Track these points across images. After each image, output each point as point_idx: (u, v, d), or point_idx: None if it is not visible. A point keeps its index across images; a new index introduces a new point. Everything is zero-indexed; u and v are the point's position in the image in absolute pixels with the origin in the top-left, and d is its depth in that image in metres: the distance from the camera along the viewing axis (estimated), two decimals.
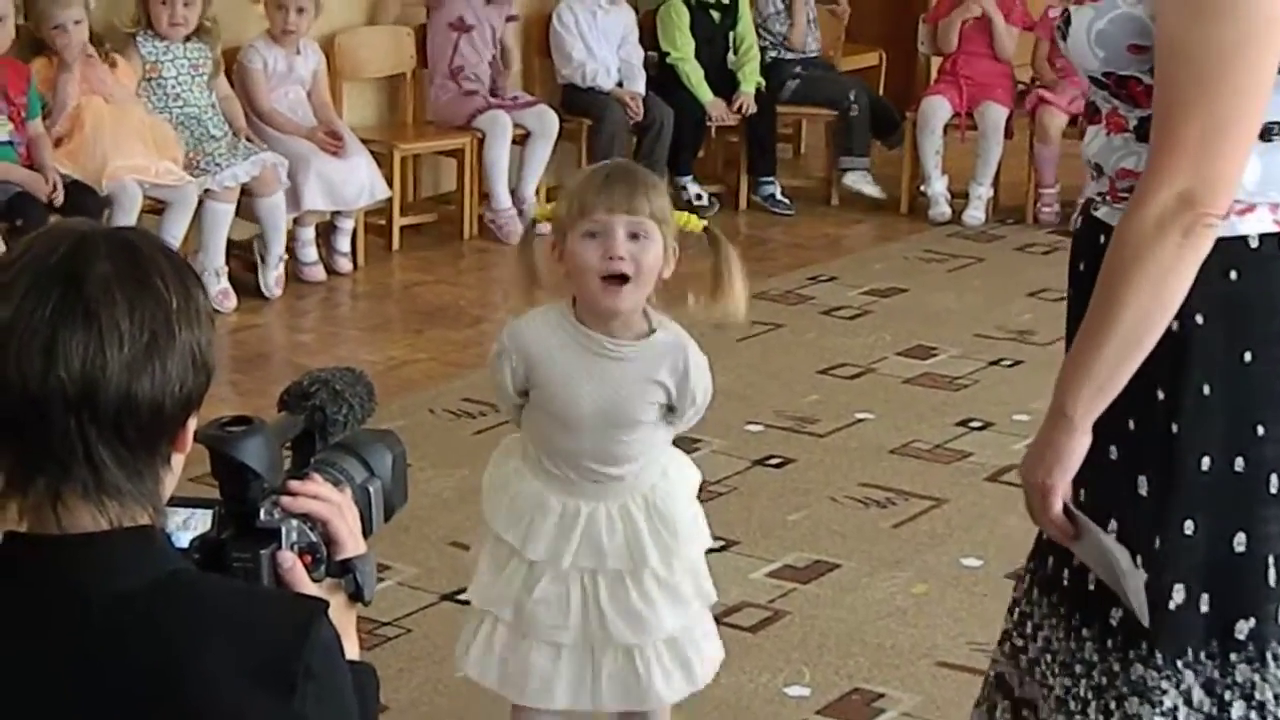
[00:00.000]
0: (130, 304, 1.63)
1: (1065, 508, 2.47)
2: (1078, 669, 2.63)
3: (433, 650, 3.96)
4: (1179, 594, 2.49)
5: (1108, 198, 2.53)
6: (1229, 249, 2.40)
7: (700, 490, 3.38)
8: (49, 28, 6.16)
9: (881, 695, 3.96)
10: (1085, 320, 2.42)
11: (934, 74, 7.94)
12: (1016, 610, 2.78)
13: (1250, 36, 2.29)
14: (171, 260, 1.70)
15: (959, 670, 4.07)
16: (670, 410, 3.20)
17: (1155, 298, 2.35)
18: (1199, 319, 2.42)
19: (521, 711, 3.31)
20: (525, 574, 3.19)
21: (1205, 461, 2.47)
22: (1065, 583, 2.67)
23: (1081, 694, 2.62)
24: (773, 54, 8.06)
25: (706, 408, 3.29)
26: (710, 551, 3.36)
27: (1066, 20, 2.49)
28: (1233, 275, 2.43)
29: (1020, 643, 2.75)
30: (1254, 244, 2.44)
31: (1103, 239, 2.48)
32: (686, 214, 3.26)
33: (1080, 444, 2.43)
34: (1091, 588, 2.59)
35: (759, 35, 8.06)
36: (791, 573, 4.54)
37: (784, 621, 4.30)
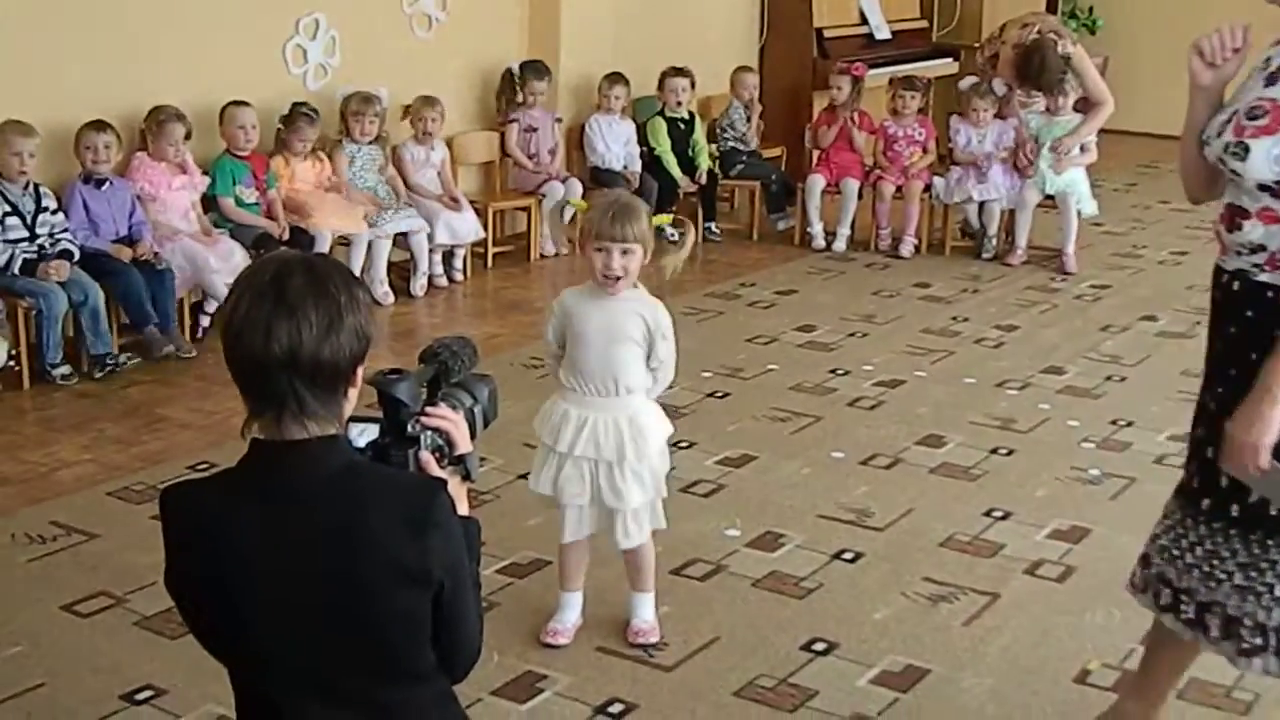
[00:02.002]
0: (315, 302, 1.61)
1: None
2: (1263, 564, 2.45)
3: (511, 509, 3.95)
4: None
5: (1265, 267, 2.38)
6: None
7: (673, 415, 3.36)
8: (288, 140, 6.19)
9: (784, 534, 3.94)
10: None
11: (815, 161, 7.86)
12: (1171, 533, 2.58)
13: None
14: (341, 273, 1.68)
15: (830, 520, 4.06)
16: (648, 347, 3.14)
17: None
18: None
19: (562, 546, 3.33)
20: (557, 464, 3.18)
21: None
22: (1232, 515, 2.47)
23: (1266, 580, 2.45)
24: (730, 145, 7.94)
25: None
26: (679, 448, 3.35)
27: (1245, 149, 2.35)
28: None
29: (1177, 552, 2.56)
30: None
31: (1270, 294, 2.36)
32: (663, 215, 3.27)
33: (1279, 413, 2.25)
34: (1260, 510, 2.43)
35: (724, 132, 7.93)
36: (729, 460, 4.50)
37: (724, 491, 4.27)
